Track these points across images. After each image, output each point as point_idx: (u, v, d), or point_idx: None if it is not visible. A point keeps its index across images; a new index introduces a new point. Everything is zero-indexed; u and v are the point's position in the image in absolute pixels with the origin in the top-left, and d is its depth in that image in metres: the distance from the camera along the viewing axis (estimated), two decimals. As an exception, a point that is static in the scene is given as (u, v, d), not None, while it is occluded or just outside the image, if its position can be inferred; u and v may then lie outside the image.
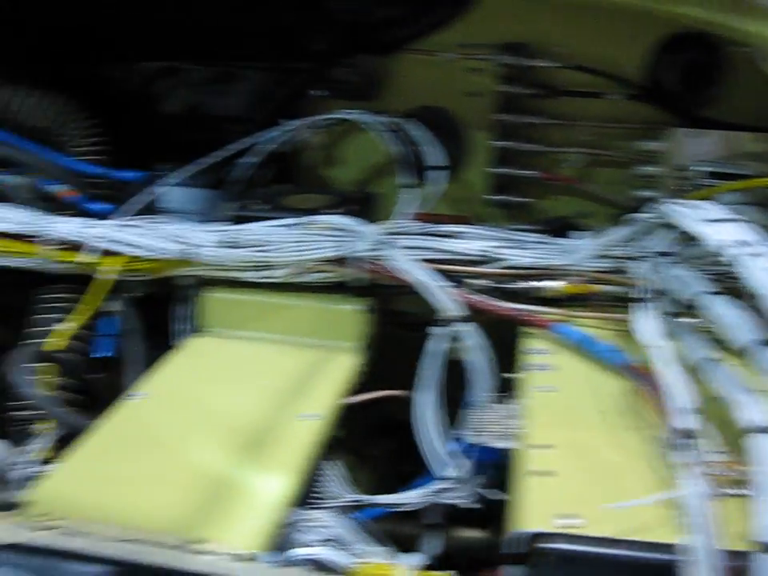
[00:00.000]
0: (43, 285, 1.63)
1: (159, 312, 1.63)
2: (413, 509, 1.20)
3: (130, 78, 1.88)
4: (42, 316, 1.59)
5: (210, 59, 1.82)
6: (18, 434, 1.43)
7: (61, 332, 1.48)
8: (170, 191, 1.66)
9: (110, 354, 1.59)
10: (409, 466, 1.46)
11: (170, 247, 1.45)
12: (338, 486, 1.20)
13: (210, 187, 1.71)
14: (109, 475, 1.07)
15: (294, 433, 1.17)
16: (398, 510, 1.21)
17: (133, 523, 0.96)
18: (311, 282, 1.45)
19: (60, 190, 1.60)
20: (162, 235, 1.47)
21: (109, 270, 1.46)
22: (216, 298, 1.49)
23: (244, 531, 0.97)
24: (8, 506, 1.01)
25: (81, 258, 1.48)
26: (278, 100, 1.80)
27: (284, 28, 1.70)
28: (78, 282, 1.58)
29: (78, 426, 1.28)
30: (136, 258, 1.47)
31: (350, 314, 1.45)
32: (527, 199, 1.81)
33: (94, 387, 1.57)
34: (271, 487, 1.06)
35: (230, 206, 1.61)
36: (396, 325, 1.57)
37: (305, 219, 1.45)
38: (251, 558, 0.93)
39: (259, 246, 1.43)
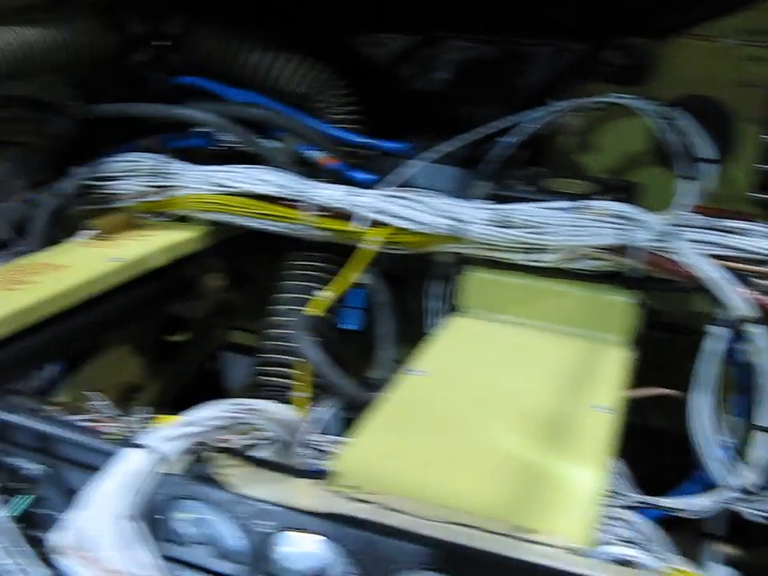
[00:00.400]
0: (292, 251, 1.62)
1: (400, 288, 1.60)
2: (699, 516, 1.14)
3: (385, 49, 1.84)
4: (294, 282, 1.56)
5: (471, 35, 1.76)
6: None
7: (318, 301, 1.45)
8: (422, 166, 1.61)
9: (356, 328, 1.55)
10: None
11: (439, 222, 1.40)
12: (623, 484, 1.14)
13: (463, 165, 1.66)
14: (410, 452, 1.02)
15: (593, 424, 1.10)
16: (681, 515, 1.14)
17: (446, 504, 0.91)
18: (581, 270, 1.39)
19: (321, 156, 1.57)
20: (430, 209, 1.42)
21: (373, 241, 1.42)
22: (480, 278, 1.44)
23: (572, 524, 0.91)
24: (314, 474, 0.98)
25: (349, 226, 1.44)
26: (544, 80, 1.73)
27: (554, 5, 1.63)
28: (331, 250, 1.56)
29: (359, 399, 1.25)
30: (401, 231, 1.43)
31: (622, 306, 1.38)
32: (797, 201, 1.70)
33: (340, 360, 1.53)
34: (587, 479, 0.99)
35: (485, 185, 1.56)
36: (650, 324, 1.49)
37: (581, 203, 1.38)
38: (584, 553, 0.87)
39: (533, 227, 1.37)
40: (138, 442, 0.93)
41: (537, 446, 1.05)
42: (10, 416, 1.05)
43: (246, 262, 1.78)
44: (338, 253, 1.55)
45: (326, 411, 1.29)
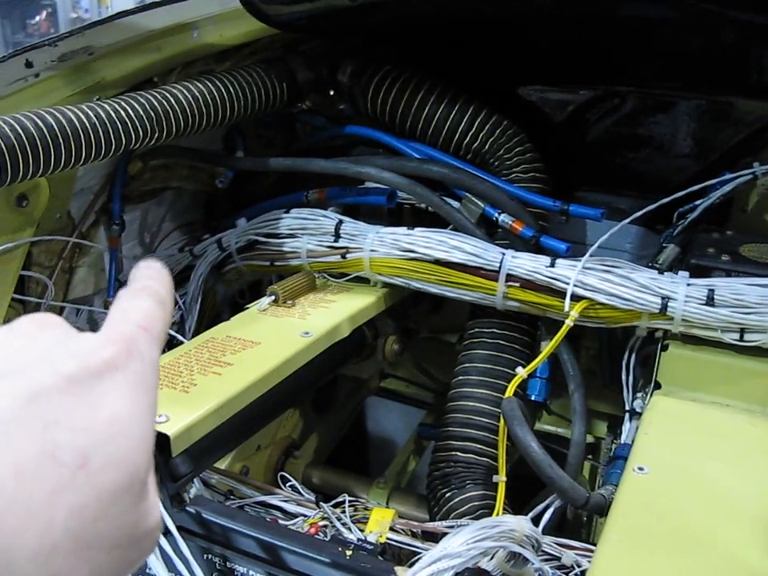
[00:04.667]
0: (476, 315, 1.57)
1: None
2: None
3: (562, 102, 1.76)
4: (484, 352, 1.51)
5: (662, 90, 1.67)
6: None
7: (516, 375, 1.39)
8: (606, 225, 1.52)
9: (542, 400, 1.50)
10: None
11: (645, 299, 1.33)
12: None
13: (644, 224, 1.59)
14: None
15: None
16: None
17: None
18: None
19: (512, 221, 1.50)
20: (634, 284, 1.35)
21: (573, 316, 1.36)
22: (685, 356, 1.36)
23: None
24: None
25: (548, 299, 1.39)
26: (741, 137, 1.64)
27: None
28: (519, 318, 1.51)
29: (578, 500, 1.19)
30: (600, 305, 1.36)
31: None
32: None
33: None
34: None
35: (673, 249, 1.49)
36: None
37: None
38: None
39: (744, 306, 1.30)
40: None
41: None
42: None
43: (411, 319, 1.74)
44: (523, 320, 1.51)
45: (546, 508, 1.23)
